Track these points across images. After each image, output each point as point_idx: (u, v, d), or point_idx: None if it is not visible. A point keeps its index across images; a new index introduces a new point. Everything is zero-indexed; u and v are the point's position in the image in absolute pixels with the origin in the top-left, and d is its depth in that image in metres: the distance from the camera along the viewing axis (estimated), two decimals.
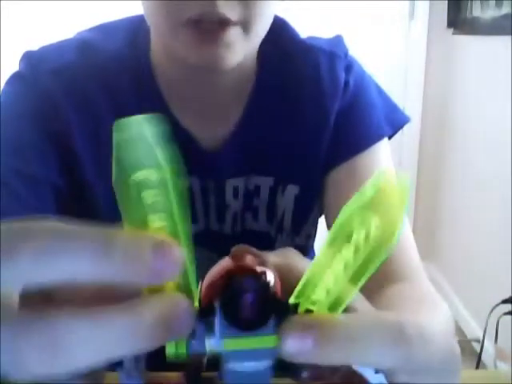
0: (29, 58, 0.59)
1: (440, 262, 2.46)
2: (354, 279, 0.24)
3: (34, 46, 0.60)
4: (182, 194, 0.22)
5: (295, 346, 0.23)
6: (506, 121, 1.83)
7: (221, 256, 0.71)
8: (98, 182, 0.59)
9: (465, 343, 2.03)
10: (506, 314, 1.58)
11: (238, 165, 0.62)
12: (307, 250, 0.71)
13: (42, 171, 0.56)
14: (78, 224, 0.21)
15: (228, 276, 0.26)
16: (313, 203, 0.66)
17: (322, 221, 0.68)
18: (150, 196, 0.21)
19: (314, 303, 0.24)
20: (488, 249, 1.98)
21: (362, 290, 0.67)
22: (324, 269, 0.24)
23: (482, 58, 2.11)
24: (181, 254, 0.20)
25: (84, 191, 0.59)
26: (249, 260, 0.28)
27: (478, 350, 1.69)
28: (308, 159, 0.64)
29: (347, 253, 0.23)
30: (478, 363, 1.68)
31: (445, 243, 2.48)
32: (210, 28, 0.49)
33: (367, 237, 0.22)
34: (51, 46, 0.60)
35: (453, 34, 2.36)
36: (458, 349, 0.33)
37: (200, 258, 0.76)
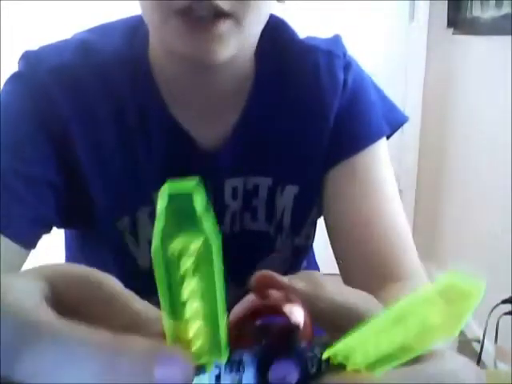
0: (28, 58, 0.59)
1: (440, 262, 2.46)
2: (392, 358, 0.22)
3: (34, 46, 0.61)
4: (219, 264, 0.21)
5: None
6: (506, 121, 1.83)
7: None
8: (95, 179, 0.59)
9: (465, 343, 2.03)
10: (506, 314, 1.58)
11: (237, 165, 0.62)
12: (307, 250, 0.71)
13: (40, 170, 0.56)
14: (85, 327, 0.20)
15: (259, 327, 0.23)
16: (312, 203, 0.66)
17: (321, 221, 0.68)
18: (187, 263, 0.21)
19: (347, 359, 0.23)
20: (488, 249, 1.98)
21: (361, 289, 0.67)
22: (368, 339, 0.22)
23: (482, 57, 2.11)
24: (189, 363, 0.20)
25: (82, 189, 0.59)
26: (275, 297, 0.25)
27: (478, 349, 1.69)
28: (307, 159, 0.63)
29: (396, 334, 0.22)
30: (478, 363, 1.67)
31: (445, 243, 2.48)
32: (201, 17, 0.48)
33: (424, 326, 0.21)
34: (50, 46, 0.61)
35: (453, 33, 2.36)
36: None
37: None
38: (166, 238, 0.20)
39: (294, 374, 0.22)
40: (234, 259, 0.67)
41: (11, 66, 0.60)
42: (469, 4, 2.20)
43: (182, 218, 0.20)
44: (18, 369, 0.19)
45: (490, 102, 2.01)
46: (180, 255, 0.20)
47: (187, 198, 0.19)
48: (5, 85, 0.59)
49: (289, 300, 0.25)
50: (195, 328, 0.21)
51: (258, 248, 0.67)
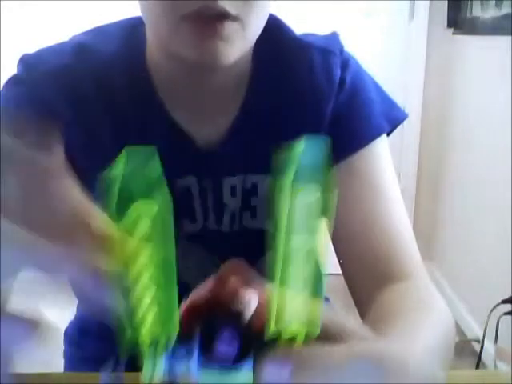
0: (26, 61, 0.59)
1: (440, 262, 2.46)
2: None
3: (31, 49, 0.61)
4: (170, 228, 0.22)
5: (274, 376, 0.24)
6: (506, 121, 1.83)
7: (220, 256, 0.71)
8: (94, 181, 0.59)
9: (465, 343, 2.03)
10: (506, 314, 1.58)
11: (235, 164, 0.62)
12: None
13: None
14: None
15: (207, 307, 0.26)
16: None
17: None
18: (145, 226, 0.22)
19: (290, 330, 0.25)
20: (488, 249, 1.98)
21: (362, 290, 0.66)
22: (284, 291, 0.24)
23: (482, 57, 2.11)
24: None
25: None
26: (233, 283, 0.28)
27: (478, 350, 1.69)
28: None
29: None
30: (478, 363, 1.67)
31: (445, 243, 2.48)
32: (209, 20, 0.49)
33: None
34: (48, 48, 0.61)
35: (453, 33, 2.36)
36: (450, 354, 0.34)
37: (198, 256, 0.76)
38: (122, 204, 0.21)
39: (233, 345, 0.25)
40: (233, 258, 0.67)
41: (10, 70, 0.60)
42: (469, 4, 2.20)
43: (137, 185, 0.21)
44: None
45: (490, 101, 2.01)
46: (137, 220, 0.21)
47: (144, 162, 0.21)
48: (3, 88, 0.59)
49: (246, 287, 0.28)
50: (149, 299, 0.23)
51: (258, 246, 0.67)
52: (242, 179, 0.63)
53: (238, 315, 0.25)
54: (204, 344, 0.24)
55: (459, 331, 2.13)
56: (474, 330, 2.05)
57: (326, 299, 0.87)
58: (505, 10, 1.88)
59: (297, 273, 0.24)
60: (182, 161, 0.61)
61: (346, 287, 0.62)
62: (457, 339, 2.05)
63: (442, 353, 0.42)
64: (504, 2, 1.89)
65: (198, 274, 0.69)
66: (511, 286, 1.63)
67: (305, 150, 0.21)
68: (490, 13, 2.00)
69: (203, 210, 0.63)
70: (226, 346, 0.24)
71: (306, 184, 0.22)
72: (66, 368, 0.79)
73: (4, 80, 0.60)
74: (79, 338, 0.78)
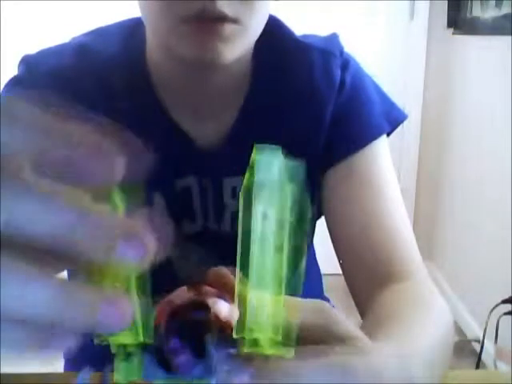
0: (27, 62, 0.60)
1: (440, 262, 2.46)
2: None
3: (32, 50, 0.61)
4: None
5: (232, 381, 0.24)
6: (506, 121, 1.84)
7: (220, 256, 0.71)
8: None
9: (465, 343, 2.03)
10: (506, 314, 1.58)
11: (235, 164, 0.62)
12: (306, 249, 0.71)
13: None
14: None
15: (169, 315, 0.26)
16: (311, 201, 0.66)
17: (322, 220, 0.68)
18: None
19: (254, 333, 0.24)
20: (488, 249, 1.98)
21: (362, 290, 0.66)
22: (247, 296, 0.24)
23: (482, 57, 2.11)
24: (129, 309, 0.21)
25: None
26: (205, 292, 0.29)
27: (478, 350, 1.69)
28: (305, 157, 0.63)
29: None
30: (478, 363, 1.67)
31: (445, 243, 2.48)
32: (208, 21, 0.50)
33: None
34: (49, 49, 0.61)
35: (453, 33, 2.36)
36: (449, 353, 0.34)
37: (198, 257, 0.76)
38: None
39: (185, 353, 0.25)
40: (234, 259, 0.67)
41: (11, 70, 0.61)
42: (469, 4, 2.20)
43: None
44: None
45: (490, 101, 2.01)
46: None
47: None
48: (4, 89, 0.59)
49: (219, 296, 0.29)
50: None
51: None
52: (242, 179, 0.63)
53: (207, 320, 0.26)
54: (159, 358, 0.25)
55: (459, 331, 2.13)
56: (474, 330, 2.05)
57: (326, 299, 0.87)
58: (505, 9, 1.88)
59: (257, 278, 0.24)
60: (182, 161, 0.61)
61: (346, 287, 0.62)
62: (456, 339, 2.05)
63: (442, 353, 0.42)
64: (504, 1, 1.89)
65: (197, 275, 0.70)
66: (511, 286, 1.63)
67: (262, 158, 0.23)
68: (489, 13, 2.00)
69: (203, 210, 0.63)
70: (177, 354, 0.25)
71: (264, 192, 0.23)
72: (65, 368, 0.79)
73: (4, 80, 0.60)
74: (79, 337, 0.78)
